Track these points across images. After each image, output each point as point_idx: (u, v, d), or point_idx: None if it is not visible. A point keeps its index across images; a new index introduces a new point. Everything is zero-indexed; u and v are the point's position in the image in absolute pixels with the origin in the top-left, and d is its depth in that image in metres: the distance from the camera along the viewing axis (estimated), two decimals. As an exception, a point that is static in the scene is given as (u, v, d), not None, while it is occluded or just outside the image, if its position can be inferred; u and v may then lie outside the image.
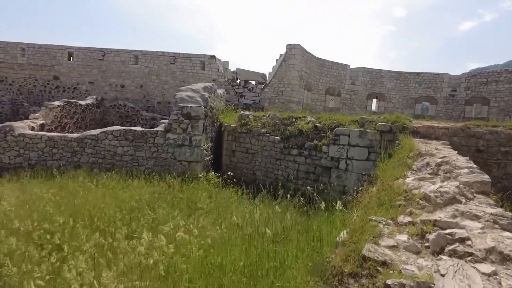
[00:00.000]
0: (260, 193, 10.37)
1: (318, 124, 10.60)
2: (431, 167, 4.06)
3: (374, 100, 25.06)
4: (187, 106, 11.51)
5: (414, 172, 4.20)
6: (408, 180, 3.90)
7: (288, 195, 9.67)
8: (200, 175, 11.64)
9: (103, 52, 20.61)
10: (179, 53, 20.31)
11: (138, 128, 11.95)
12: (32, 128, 13.08)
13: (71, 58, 20.94)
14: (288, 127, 11.44)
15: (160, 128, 11.74)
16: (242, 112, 13.98)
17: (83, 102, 16.78)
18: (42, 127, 13.69)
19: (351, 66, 24.47)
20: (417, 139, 8.08)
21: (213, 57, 20.09)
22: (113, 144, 11.77)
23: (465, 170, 3.68)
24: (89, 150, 11.84)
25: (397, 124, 8.72)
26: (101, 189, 7.93)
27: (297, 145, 10.67)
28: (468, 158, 4.30)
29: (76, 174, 10.08)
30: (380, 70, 24.55)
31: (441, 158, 4.45)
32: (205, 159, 12.34)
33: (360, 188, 7.08)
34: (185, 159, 11.52)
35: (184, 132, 11.53)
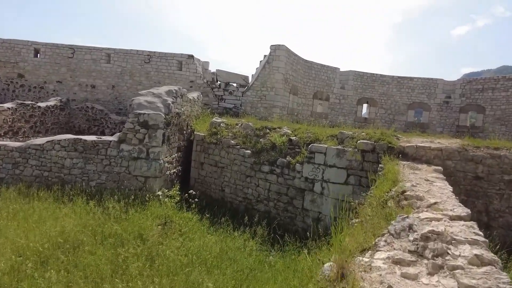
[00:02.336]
0: (224, 217, 8.96)
1: (293, 138, 9.18)
2: (415, 238, 2.66)
3: (365, 106, 23.74)
4: (143, 114, 10.02)
5: (389, 240, 2.81)
6: (377, 261, 2.50)
7: (255, 220, 8.26)
8: (159, 193, 10.18)
9: (73, 49, 19.01)
10: (154, 52, 18.78)
11: (89, 138, 10.43)
12: (-27, 134, 11.50)
13: (38, 55, 19.31)
14: (260, 139, 10.01)
15: (113, 138, 10.24)
16: (213, 119, 12.53)
17: (43, 104, 15.19)
18: (-14, 132, 12.11)
19: (341, 69, 23.13)
20: (404, 162, 6.69)
21: (191, 56, 18.60)
22: (60, 156, 10.24)
23: (468, 252, 2.30)
24: (33, 161, 10.30)
25: (381, 142, 7.32)
26: (13, 221, 6.39)
27: (269, 161, 9.24)
28: (472, 223, 2.90)
29: (6, 193, 8.55)
30: (372, 74, 23.24)
31: (430, 219, 3.05)
32: (166, 173, 10.86)
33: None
34: (141, 174, 10.03)
35: (141, 143, 10.03)
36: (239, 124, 11.30)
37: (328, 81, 22.60)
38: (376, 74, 23.13)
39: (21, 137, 13.86)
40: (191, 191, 9.76)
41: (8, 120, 13.16)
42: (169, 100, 10.78)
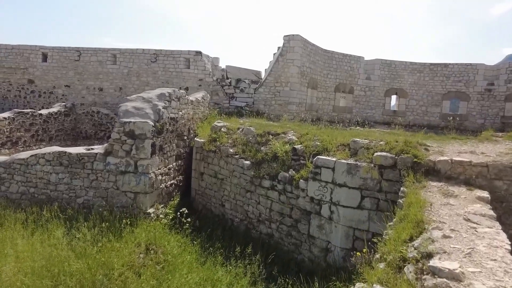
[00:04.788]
0: (218, 242, 7.68)
1: (297, 147, 7.66)
2: None
3: (394, 97, 21.52)
4: (129, 122, 8.89)
5: None
6: None
7: (251, 249, 6.90)
8: (150, 210, 9.07)
9: (79, 51, 18.38)
10: (160, 50, 17.73)
11: (75, 150, 9.48)
12: (-35, 148, 10.96)
13: (47, 59, 18.88)
14: (262, 147, 8.58)
15: (99, 150, 9.22)
16: (215, 122, 11.24)
17: (45, 111, 14.60)
18: (-19, 145, 11.57)
19: (366, 58, 21.02)
20: (435, 184, 5.03)
21: (199, 53, 17.36)
22: (46, 170, 9.38)
23: None
24: (18, 177, 9.52)
25: (404, 156, 5.66)
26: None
27: (269, 175, 7.79)
28: None
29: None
30: (401, 62, 20.94)
31: None
32: (160, 186, 9.73)
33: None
34: (130, 190, 8.95)
35: (128, 155, 8.93)
36: (240, 129, 9.91)
37: (351, 71, 20.61)
38: (406, 61, 20.83)
39: (21, 147, 13.32)
40: (183, 208, 8.54)
41: (6, 130, 12.59)
42: (160, 105, 9.59)
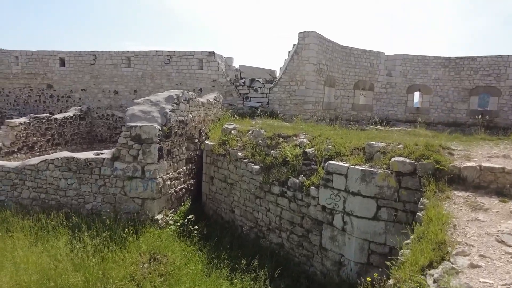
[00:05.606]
0: (226, 251, 7.29)
1: (308, 150, 7.15)
2: None
3: (417, 94, 20.46)
4: (135, 126, 8.65)
5: None
6: None
7: (260, 260, 6.46)
8: (158, 216, 8.81)
9: (94, 55, 18.52)
10: (174, 51, 17.57)
11: (83, 155, 9.36)
12: (-19, 154, 11.12)
13: (64, 64, 19.15)
14: (272, 151, 8.11)
15: (107, 155, 9.04)
16: (225, 124, 10.86)
17: (60, 116, 14.73)
18: (-3, 150, 11.71)
19: (386, 54, 20.09)
20: (461, 195, 4.42)
21: (212, 53, 17.07)
22: (55, 176, 9.31)
23: None
24: (29, 183, 9.52)
25: (425, 161, 5.05)
26: None
27: (279, 181, 7.32)
28: None
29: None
30: (424, 57, 19.85)
31: None
32: (169, 191, 9.46)
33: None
34: (137, 196, 8.72)
35: (135, 160, 8.70)
36: (251, 131, 9.49)
37: (371, 68, 19.74)
38: (429, 56, 19.73)
39: (37, 152, 13.46)
40: (191, 215, 8.22)
41: (22, 135, 12.74)
42: (167, 108, 9.30)
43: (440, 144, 5.53)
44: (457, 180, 4.71)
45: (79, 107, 16.16)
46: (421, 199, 4.52)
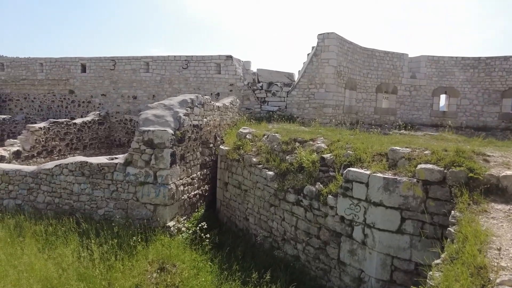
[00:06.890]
0: (237, 262, 6.91)
1: (326, 156, 6.69)
2: None
3: (443, 97, 19.49)
4: (148, 131, 8.47)
5: None
6: None
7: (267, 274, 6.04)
8: (170, 223, 8.55)
9: (114, 61, 18.75)
10: (191, 56, 17.51)
11: (97, 160, 9.27)
12: (1, 158, 11.29)
13: (85, 70, 19.52)
14: (287, 156, 7.70)
15: (119, 160, 8.91)
16: (240, 129, 10.56)
17: (79, 121, 14.90)
18: (17, 154, 11.89)
19: (410, 55, 19.28)
20: (500, 208, 3.87)
21: (229, 57, 16.88)
22: (69, 181, 9.26)
23: None
24: (44, 187, 9.53)
25: (456, 169, 4.50)
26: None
27: (294, 188, 6.90)
28: None
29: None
30: (450, 58, 18.91)
31: None
32: (183, 197, 9.21)
33: None
34: (149, 201, 8.51)
35: (147, 165, 8.50)
36: (266, 136, 9.11)
37: (394, 70, 18.99)
38: (456, 57, 18.77)
39: (56, 156, 13.62)
40: (203, 223, 7.91)
41: (41, 139, 12.91)
42: (181, 112, 9.09)
43: (473, 150, 4.96)
44: (495, 191, 4.14)
45: (97, 112, 16.34)
46: (452, 211, 3.99)
